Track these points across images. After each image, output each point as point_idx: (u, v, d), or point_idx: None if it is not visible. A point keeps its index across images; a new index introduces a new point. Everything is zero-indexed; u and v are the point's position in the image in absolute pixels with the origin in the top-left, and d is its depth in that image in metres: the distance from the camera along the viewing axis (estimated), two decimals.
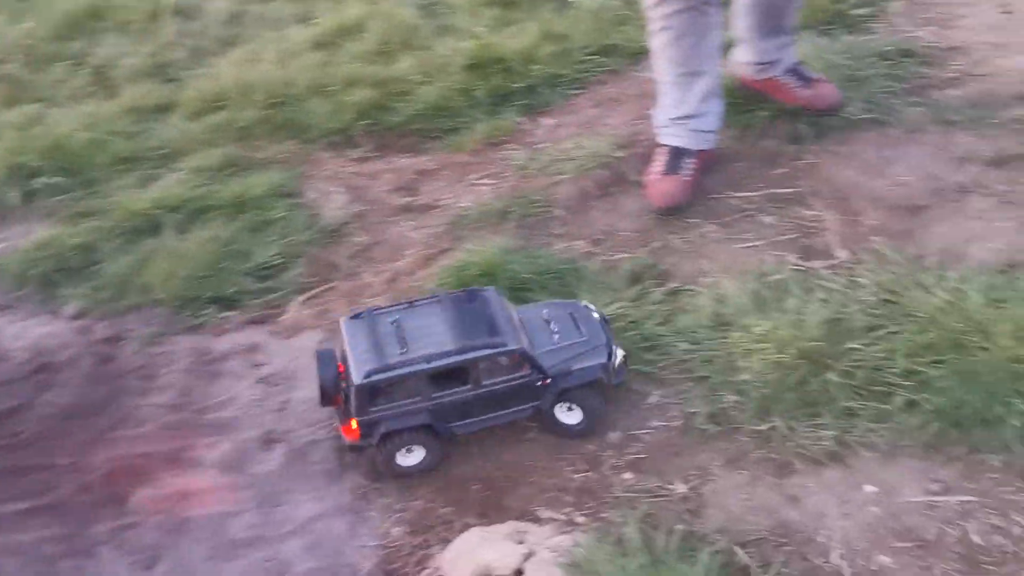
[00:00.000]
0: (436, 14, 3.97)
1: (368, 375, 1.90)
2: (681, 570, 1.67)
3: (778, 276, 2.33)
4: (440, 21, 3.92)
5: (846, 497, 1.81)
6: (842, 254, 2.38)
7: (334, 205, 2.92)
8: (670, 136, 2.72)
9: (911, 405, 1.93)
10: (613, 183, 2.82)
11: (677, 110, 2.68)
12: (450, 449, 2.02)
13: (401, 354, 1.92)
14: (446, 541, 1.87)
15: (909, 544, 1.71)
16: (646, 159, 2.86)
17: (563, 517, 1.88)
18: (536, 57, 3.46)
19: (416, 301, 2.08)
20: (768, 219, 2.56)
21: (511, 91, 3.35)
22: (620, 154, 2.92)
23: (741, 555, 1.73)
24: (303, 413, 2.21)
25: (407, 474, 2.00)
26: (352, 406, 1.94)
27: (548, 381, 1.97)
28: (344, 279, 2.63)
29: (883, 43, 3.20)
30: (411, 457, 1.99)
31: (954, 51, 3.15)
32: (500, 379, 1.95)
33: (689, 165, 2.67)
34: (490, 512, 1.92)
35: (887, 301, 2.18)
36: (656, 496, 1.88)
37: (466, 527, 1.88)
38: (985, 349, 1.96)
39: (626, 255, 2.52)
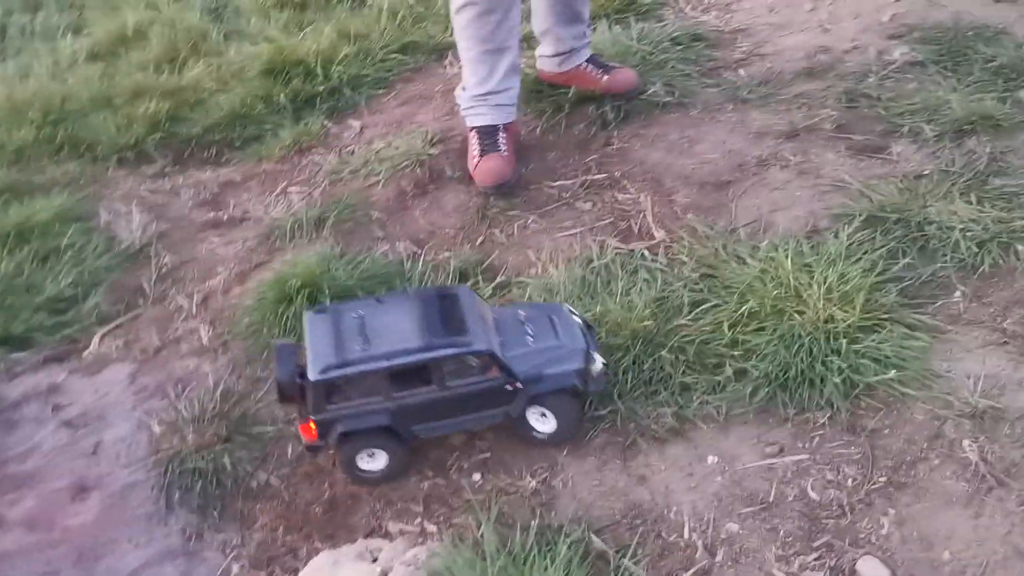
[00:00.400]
0: (224, 18, 3.79)
1: (324, 370, 1.77)
2: (541, 565, 1.64)
3: (602, 261, 2.35)
4: (229, 25, 3.75)
5: (690, 470, 1.84)
6: (660, 234, 2.44)
7: (132, 226, 2.71)
8: (476, 116, 2.73)
9: (741, 373, 1.99)
10: (430, 181, 2.77)
11: (482, 87, 2.68)
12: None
13: (361, 350, 1.79)
14: (294, 571, 1.76)
15: (754, 508, 1.76)
16: (461, 154, 2.83)
17: (415, 528, 1.81)
18: (336, 58, 3.36)
19: (384, 296, 1.94)
20: (586, 205, 2.59)
21: (314, 95, 3.24)
22: (434, 151, 2.87)
23: (597, 542, 1.72)
24: (118, 454, 2.02)
25: (370, 480, 1.88)
26: (308, 403, 1.80)
27: (519, 385, 1.85)
28: (151, 304, 2.44)
29: (674, 29, 3.31)
30: (374, 462, 1.87)
31: (739, 33, 3.31)
32: (467, 381, 1.82)
33: (502, 140, 2.70)
34: (338, 533, 1.83)
35: (707, 276, 2.24)
36: (507, 494, 1.84)
37: (314, 552, 1.78)
38: (801, 312, 2.05)
39: (451, 253, 2.47)
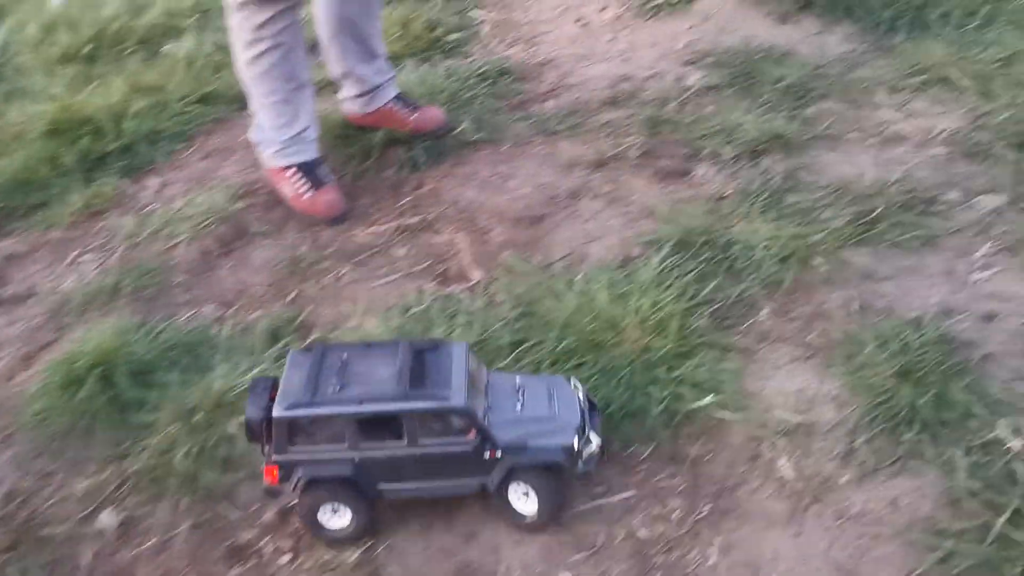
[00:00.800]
0: (2, 77, 3.51)
1: (289, 407, 1.66)
2: None
3: (420, 307, 2.28)
4: (8, 85, 3.48)
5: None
6: (477, 274, 2.39)
7: None
8: (293, 155, 2.66)
9: None
10: (236, 238, 2.63)
11: (293, 128, 2.63)
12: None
13: (332, 392, 1.66)
14: None
15: (584, 554, 1.71)
16: (267, 206, 2.71)
17: None
18: (128, 113, 3.16)
19: (376, 343, 1.83)
20: (401, 251, 2.52)
21: (105, 153, 3.04)
22: (239, 206, 2.74)
23: None
24: None
25: (330, 537, 1.74)
26: (271, 442, 1.69)
27: (497, 454, 1.70)
28: None
29: (480, 65, 3.31)
30: (337, 519, 1.73)
31: (544, 66, 3.34)
32: (440, 441, 1.68)
33: (325, 171, 2.69)
34: None
35: (526, 314, 2.20)
36: (329, 570, 1.73)
37: None
38: (619, 344, 2.04)
39: (261, 313, 2.34)
